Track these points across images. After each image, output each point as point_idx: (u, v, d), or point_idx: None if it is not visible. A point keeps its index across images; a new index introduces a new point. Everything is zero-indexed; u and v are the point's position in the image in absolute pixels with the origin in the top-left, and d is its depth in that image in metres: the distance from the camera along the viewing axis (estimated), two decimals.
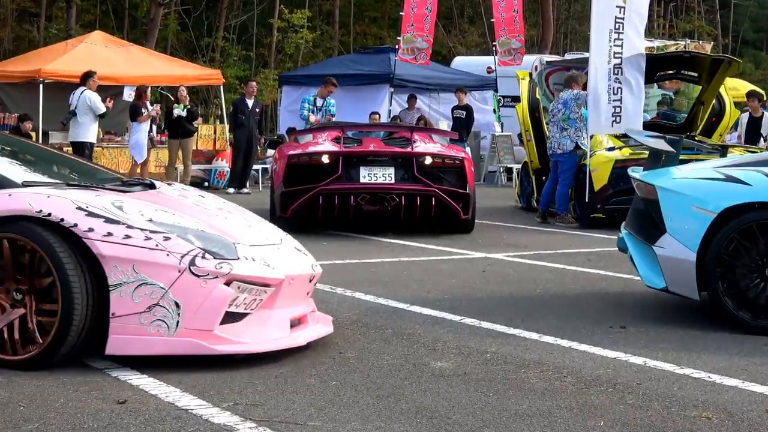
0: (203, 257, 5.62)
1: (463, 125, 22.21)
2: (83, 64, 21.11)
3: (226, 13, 40.22)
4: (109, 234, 5.51)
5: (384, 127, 16.60)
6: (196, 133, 20.81)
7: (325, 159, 12.54)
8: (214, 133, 22.73)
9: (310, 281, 6.41)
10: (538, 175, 16.31)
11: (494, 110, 24.83)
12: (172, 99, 20.79)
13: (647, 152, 8.72)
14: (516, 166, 22.25)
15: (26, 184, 5.85)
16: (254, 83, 21.38)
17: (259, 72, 37.31)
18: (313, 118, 17.61)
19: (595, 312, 7.67)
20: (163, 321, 5.52)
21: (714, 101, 16.15)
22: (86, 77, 17.79)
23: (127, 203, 5.83)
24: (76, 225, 5.49)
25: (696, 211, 7.01)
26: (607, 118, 14.08)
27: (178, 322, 5.53)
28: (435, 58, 28.51)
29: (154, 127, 20.63)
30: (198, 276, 5.57)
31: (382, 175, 12.57)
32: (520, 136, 17.73)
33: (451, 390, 5.32)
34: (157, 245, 5.56)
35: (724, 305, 6.92)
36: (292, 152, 12.83)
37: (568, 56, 27.47)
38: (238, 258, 5.78)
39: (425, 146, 12.95)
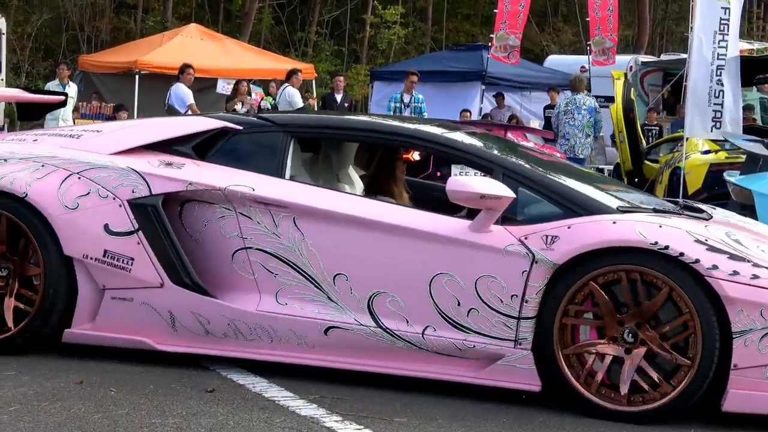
0: None
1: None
2: (179, 56, 21.36)
3: (320, 8, 40.40)
4: (735, 273, 4.79)
5: (476, 124, 16.53)
6: None
7: (416, 156, 12.52)
8: None
9: None
10: (630, 177, 16.10)
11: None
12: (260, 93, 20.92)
13: (744, 156, 8.55)
14: (608, 167, 22.00)
15: (622, 210, 5.19)
16: (342, 77, 21.42)
17: (350, 67, 37.42)
18: None
19: None
20: None
21: None
22: (182, 71, 17.95)
23: (740, 236, 5.17)
24: (698, 261, 4.81)
25: None
26: (706, 122, 13.82)
27: None
28: (527, 57, 28.32)
29: None
30: None
31: (474, 174, 12.50)
32: (612, 136, 17.52)
33: None
34: None
35: None
36: None
37: (663, 57, 27.08)
38: None
39: None
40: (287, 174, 5.53)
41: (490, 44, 23.02)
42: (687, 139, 14.31)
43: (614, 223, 4.98)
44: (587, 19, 24.39)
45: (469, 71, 23.52)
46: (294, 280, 5.30)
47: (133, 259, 5.39)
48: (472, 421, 4.78)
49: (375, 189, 6.01)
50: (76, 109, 18.99)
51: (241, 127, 5.70)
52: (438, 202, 5.76)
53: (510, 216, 5.14)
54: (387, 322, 5.16)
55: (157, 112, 20.87)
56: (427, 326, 5.11)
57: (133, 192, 5.43)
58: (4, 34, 22.72)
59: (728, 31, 13.92)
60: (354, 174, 6.30)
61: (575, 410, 4.95)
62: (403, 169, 6.15)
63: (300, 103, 17.89)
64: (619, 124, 15.79)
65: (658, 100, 23.55)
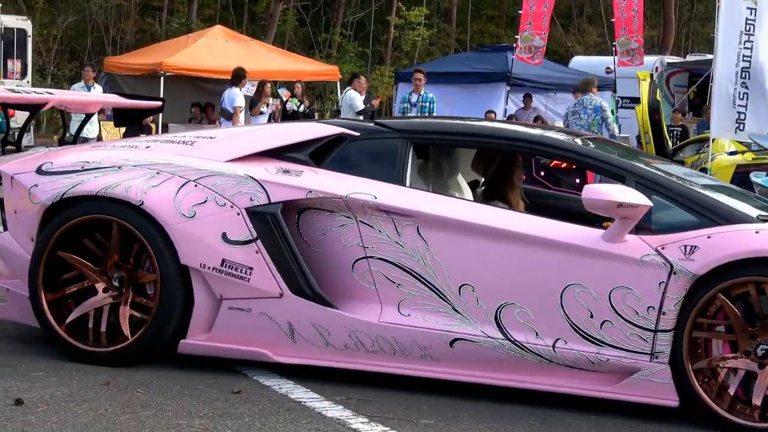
0: None
1: None
2: (204, 58, 21.46)
3: (344, 9, 40.44)
4: None
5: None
6: None
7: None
8: None
9: None
10: None
11: (612, 111, 24.49)
12: (285, 94, 20.93)
13: None
14: None
15: (763, 219, 5.07)
16: (364, 78, 21.40)
17: (375, 68, 37.43)
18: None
19: None
20: None
21: None
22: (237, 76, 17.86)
23: None
24: None
25: None
26: (731, 123, 13.74)
27: None
28: (552, 58, 28.25)
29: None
30: None
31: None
32: (638, 137, 17.45)
33: None
34: None
35: None
36: None
37: (689, 58, 26.97)
38: None
39: None
40: (407, 181, 5.38)
41: (515, 45, 22.98)
42: (713, 140, 14.24)
43: (757, 233, 4.82)
44: (612, 20, 24.30)
45: (494, 72, 23.49)
46: (417, 290, 5.15)
47: (251, 268, 5.24)
48: (498, 423, 4.76)
49: (491, 195, 5.85)
50: (101, 111, 19.07)
51: (358, 134, 5.55)
52: (550, 209, 5.66)
53: (644, 225, 4.96)
54: (515, 334, 5.01)
55: (182, 114, 20.99)
56: (558, 339, 4.97)
57: (251, 200, 5.29)
58: (30, 36, 22.91)
59: (754, 31, 13.83)
60: (462, 181, 6.15)
61: (599, 412, 4.93)
62: (520, 175, 5.97)
63: (360, 106, 17.96)
64: (645, 125, 15.72)
65: (684, 101, 23.45)
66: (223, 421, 4.55)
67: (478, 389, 5.11)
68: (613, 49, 24.09)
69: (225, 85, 21.12)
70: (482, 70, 23.64)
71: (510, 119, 21.70)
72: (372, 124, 5.72)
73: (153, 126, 19.93)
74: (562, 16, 40.58)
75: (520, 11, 22.96)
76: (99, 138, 18.73)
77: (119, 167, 5.52)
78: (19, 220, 5.69)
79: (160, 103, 7.35)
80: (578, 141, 5.60)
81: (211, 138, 5.81)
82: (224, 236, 5.28)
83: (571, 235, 5.01)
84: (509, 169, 5.88)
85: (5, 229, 5.85)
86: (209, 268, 5.27)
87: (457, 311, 5.10)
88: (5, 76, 22.02)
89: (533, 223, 5.12)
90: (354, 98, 18.03)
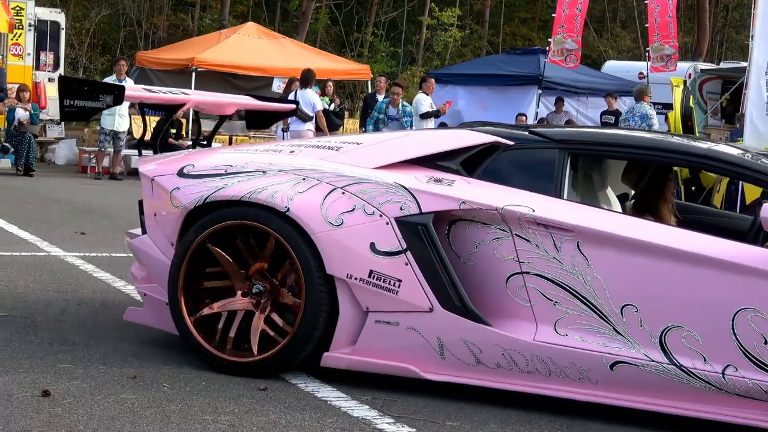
0: None
1: None
2: (236, 55, 21.48)
3: (377, 9, 40.44)
4: None
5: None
6: (341, 128, 20.94)
7: None
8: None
9: None
10: (687, 185, 15.92)
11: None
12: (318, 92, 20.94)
13: None
14: None
15: None
16: (383, 78, 21.34)
17: (406, 69, 37.41)
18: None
19: None
20: None
21: None
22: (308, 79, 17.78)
23: None
24: None
25: None
26: (765, 130, 13.65)
27: None
28: (585, 62, 28.11)
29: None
30: None
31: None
32: None
33: None
34: None
35: None
36: None
37: (723, 65, 26.80)
38: None
39: None
40: (565, 194, 5.16)
41: (548, 48, 22.92)
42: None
43: None
44: (646, 25, 24.19)
45: (526, 75, 23.43)
46: (576, 309, 4.91)
47: (400, 280, 5.02)
48: (524, 427, 4.73)
49: (642, 209, 5.54)
50: (132, 105, 19.11)
51: (512, 143, 5.33)
52: (703, 226, 5.45)
53: None
54: (681, 358, 4.76)
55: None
56: (728, 365, 4.71)
57: (401, 209, 5.08)
58: (63, 29, 23.05)
59: None
60: (612, 194, 5.89)
61: (624, 421, 4.88)
62: (673, 189, 5.65)
63: (425, 109, 17.97)
64: (678, 131, 15.67)
65: (717, 108, 23.31)
66: (249, 417, 4.54)
67: (504, 395, 5.06)
68: (647, 54, 23.96)
69: (256, 81, 21.26)
70: (514, 72, 23.59)
71: (541, 122, 21.65)
72: (527, 133, 5.47)
73: (183, 121, 19.97)
74: (596, 21, 40.45)
75: (553, 14, 22.91)
76: (129, 132, 18.78)
77: (264, 172, 5.36)
78: (158, 224, 5.58)
79: (293, 105, 7.15)
80: (748, 156, 5.30)
81: (357, 143, 5.62)
82: (372, 246, 5.08)
83: (743, 255, 4.75)
84: (662, 182, 5.57)
85: (144, 232, 5.74)
86: (356, 279, 5.07)
87: (618, 332, 4.85)
88: (38, 68, 22.15)
89: (700, 241, 4.85)
90: (420, 101, 18.00)
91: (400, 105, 17.01)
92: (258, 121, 7.21)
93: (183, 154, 5.97)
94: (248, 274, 5.31)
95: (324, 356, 5.16)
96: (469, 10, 42.53)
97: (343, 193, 5.20)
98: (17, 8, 21.05)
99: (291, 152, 5.60)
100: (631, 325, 4.83)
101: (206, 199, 5.32)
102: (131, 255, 6.22)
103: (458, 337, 4.99)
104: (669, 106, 16.50)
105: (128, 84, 18.45)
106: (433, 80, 18.72)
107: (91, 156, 18.87)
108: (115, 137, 18.04)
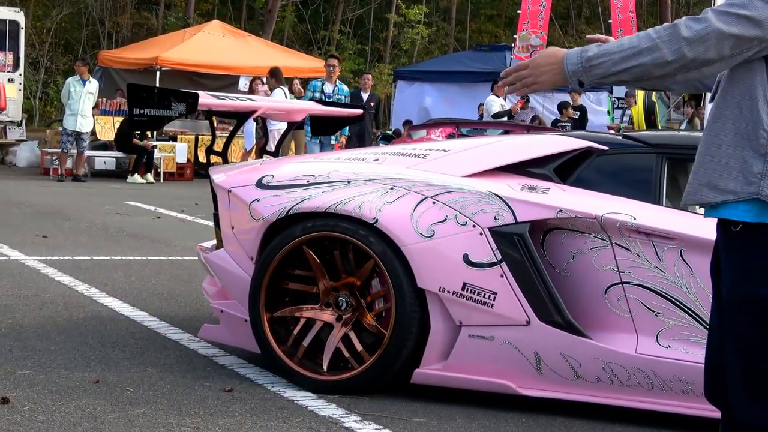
0: None
1: (576, 126, 21.95)
2: (201, 53, 21.37)
3: (344, 6, 40.40)
4: None
5: (500, 125, 16.43)
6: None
7: None
8: None
9: None
10: None
11: (608, 112, 24.51)
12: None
13: None
14: None
15: None
16: (369, 76, 21.36)
17: (373, 66, 37.39)
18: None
19: None
20: None
21: None
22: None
23: None
24: None
25: None
26: None
27: None
28: None
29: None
30: None
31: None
32: None
33: None
34: None
35: None
36: None
37: None
38: None
39: None
40: (664, 200, 4.96)
41: (513, 45, 22.96)
42: None
43: None
44: (609, 21, 24.28)
45: (493, 71, 23.47)
46: (679, 320, 4.71)
47: (495, 293, 4.80)
48: (491, 421, 4.70)
49: None
50: (96, 106, 18.99)
51: (606, 148, 5.13)
52: None
53: None
54: None
55: None
56: None
57: (495, 219, 4.85)
58: (23, 28, 22.79)
59: None
60: None
61: (588, 416, 4.86)
62: None
63: (496, 109, 18.05)
64: (641, 126, 15.74)
65: (679, 103, 23.45)
66: (214, 419, 4.48)
67: (469, 392, 5.03)
68: None
69: (222, 80, 21.15)
70: (481, 69, 23.66)
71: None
72: (620, 138, 5.30)
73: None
74: (561, 17, 40.56)
75: (518, 11, 22.98)
76: (93, 133, 18.64)
77: (348, 182, 5.14)
78: (236, 238, 5.34)
79: (360, 111, 6.92)
80: None
81: (445, 150, 5.38)
82: (466, 258, 4.86)
83: None
84: None
85: (219, 245, 5.54)
86: (449, 292, 4.85)
87: None
88: None
89: None
90: (490, 102, 18.19)
91: (336, 83, 16.16)
92: (324, 128, 7.05)
93: (257, 164, 5.74)
94: (336, 286, 5.12)
95: (415, 373, 4.96)
96: (436, 7, 42.57)
97: (433, 202, 4.99)
98: None
99: (375, 160, 5.38)
100: None
101: (289, 211, 5.10)
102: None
103: (556, 351, 4.79)
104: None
105: (93, 84, 18.36)
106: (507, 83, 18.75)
107: (54, 158, 18.72)
108: (78, 138, 17.89)
